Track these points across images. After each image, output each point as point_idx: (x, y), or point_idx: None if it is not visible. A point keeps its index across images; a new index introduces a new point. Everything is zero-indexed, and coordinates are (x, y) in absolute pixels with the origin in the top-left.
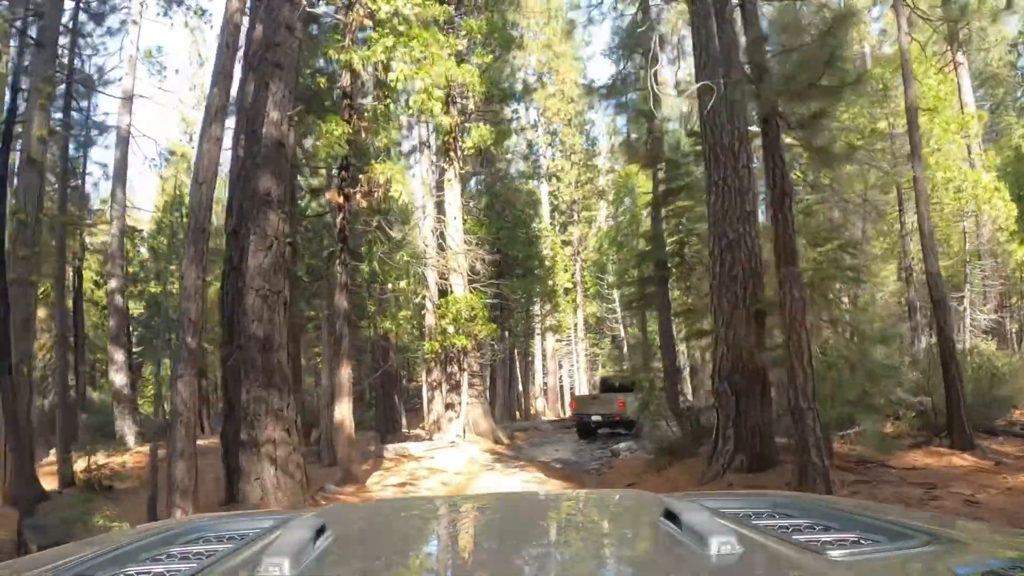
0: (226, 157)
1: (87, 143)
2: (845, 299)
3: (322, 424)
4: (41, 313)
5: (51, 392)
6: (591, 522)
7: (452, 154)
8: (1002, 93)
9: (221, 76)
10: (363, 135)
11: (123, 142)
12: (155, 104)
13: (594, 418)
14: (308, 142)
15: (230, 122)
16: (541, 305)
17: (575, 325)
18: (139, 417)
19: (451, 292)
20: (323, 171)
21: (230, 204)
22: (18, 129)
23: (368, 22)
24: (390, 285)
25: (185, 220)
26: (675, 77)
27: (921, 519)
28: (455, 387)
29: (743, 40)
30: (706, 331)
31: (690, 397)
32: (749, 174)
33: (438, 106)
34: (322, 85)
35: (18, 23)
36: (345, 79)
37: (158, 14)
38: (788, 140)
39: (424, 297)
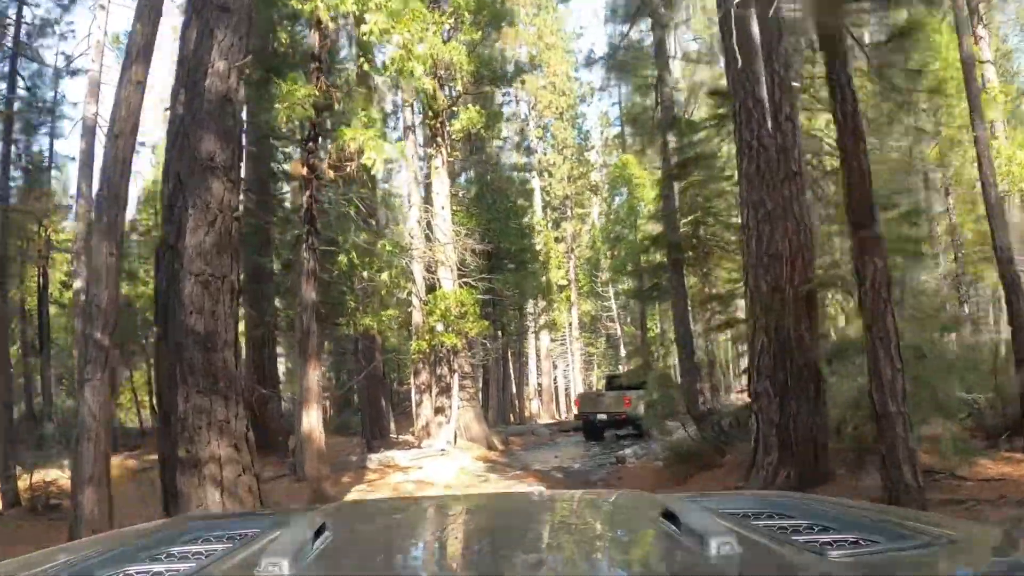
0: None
1: (53, 133)
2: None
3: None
4: None
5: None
6: (590, 522)
7: (440, 140)
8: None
9: (147, 10)
10: (336, 104)
11: (89, 132)
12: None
13: (599, 417)
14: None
15: (166, 73)
16: (535, 302)
17: (569, 324)
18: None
19: (439, 287)
20: (294, 148)
21: (166, 170)
22: None
23: None
24: (366, 274)
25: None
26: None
27: (921, 519)
28: (445, 390)
29: None
30: (736, 320)
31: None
32: (794, 128)
33: (419, 68)
34: (283, 41)
35: None
36: (313, 37)
37: None
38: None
39: (410, 293)
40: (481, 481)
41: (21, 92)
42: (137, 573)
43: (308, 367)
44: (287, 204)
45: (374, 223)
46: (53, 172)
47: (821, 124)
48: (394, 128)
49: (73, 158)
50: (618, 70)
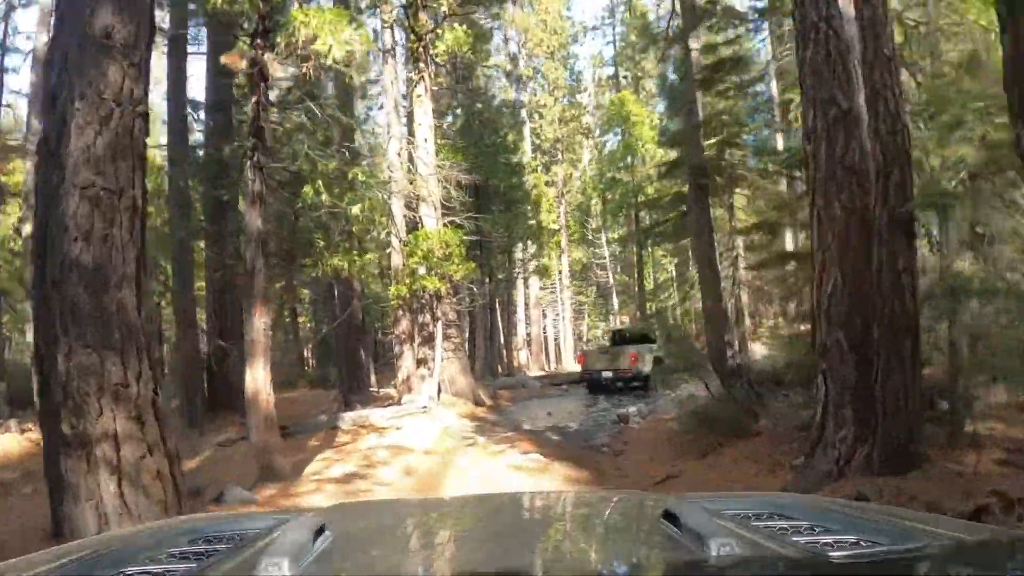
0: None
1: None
2: None
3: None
4: None
5: None
6: (591, 523)
7: (423, 64)
8: None
9: None
10: None
11: (39, 64)
12: None
13: (605, 374)
14: None
15: None
16: (524, 246)
17: (559, 272)
18: None
19: (422, 226)
20: None
21: (50, 52)
22: None
23: None
24: (333, 204)
25: None
26: None
27: (921, 520)
28: (428, 340)
29: None
30: (788, 254)
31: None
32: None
33: None
34: None
35: None
36: None
37: None
38: None
39: (389, 232)
40: (467, 444)
41: None
42: (137, 573)
43: (253, 312)
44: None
45: (346, 152)
46: (4, 109)
47: None
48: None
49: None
50: None
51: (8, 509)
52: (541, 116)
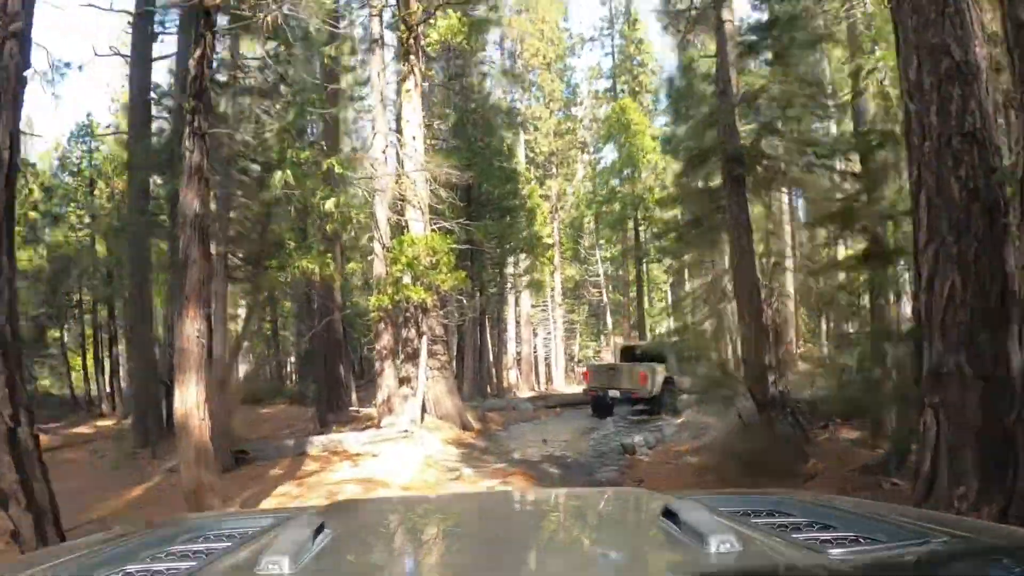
0: None
1: None
2: None
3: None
4: None
5: None
6: (591, 521)
7: (413, 57)
8: None
9: None
10: None
11: None
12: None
13: (611, 394)
14: None
15: None
16: (515, 260)
17: (552, 289)
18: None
19: (407, 231)
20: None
21: None
22: None
23: None
24: (297, 192)
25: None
26: None
27: (920, 518)
28: (412, 356)
29: None
30: (883, 252)
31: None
32: None
33: None
34: None
35: None
36: None
37: None
38: None
39: (372, 238)
40: (452, 478)
41: None
42: (137, 573)
43: (185, 314)
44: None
45: (323, 145)
46: None
47: None
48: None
49: None
50: None
51: None
52: (536, 128)
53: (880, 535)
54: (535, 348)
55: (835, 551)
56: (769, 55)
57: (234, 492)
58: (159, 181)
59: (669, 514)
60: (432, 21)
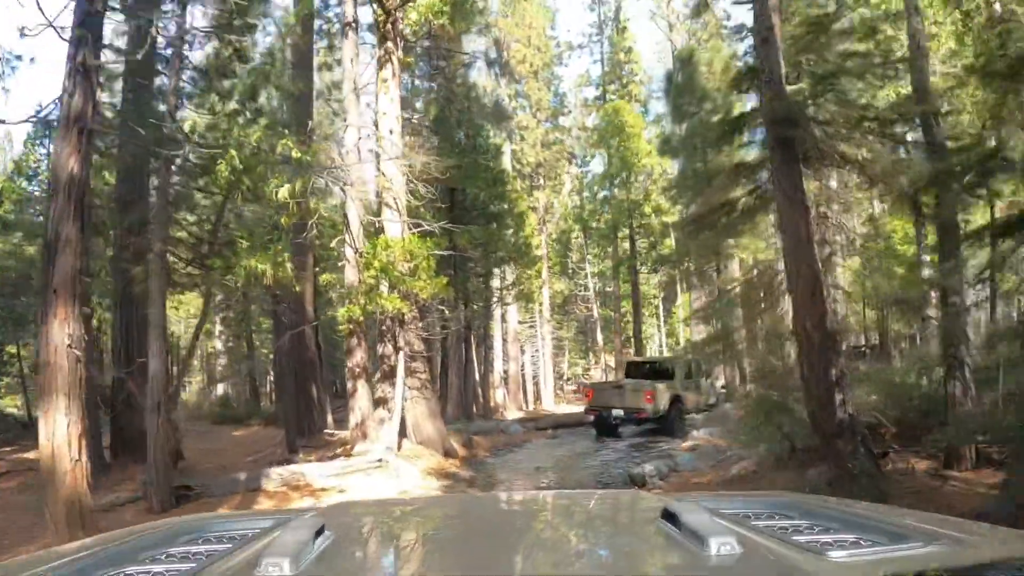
0: None
1: None
2: None
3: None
4: None
5: None
6: (590, 523)
7: (391, 44)
8: None
9: None
10: None
11: None
12: None
13: (616, 413)
14: None
15: None
16: (502, 271)
17: (540, 305)
18: None
19: (382, 234)
20: None
21: None
22: None
23: None
24: (244, 180)
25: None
26: None
27: (921, 520)
28: (388, 374)
29: None
30: None
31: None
32: None
33: None
34: None
35: None
36: None
37: None
38: None
39: (344, 242)
40: None
41: None
42: (137, 573)
43: (51, 316)
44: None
45: (283, 129)
46: None
47: None
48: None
49: None
50: None
51: None
52: (522, 139)
53: (880, 537)
54: (523, 366)
55: (835, 553)
56: None
57: None
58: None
59: (669, 516)
60: (411, 5)
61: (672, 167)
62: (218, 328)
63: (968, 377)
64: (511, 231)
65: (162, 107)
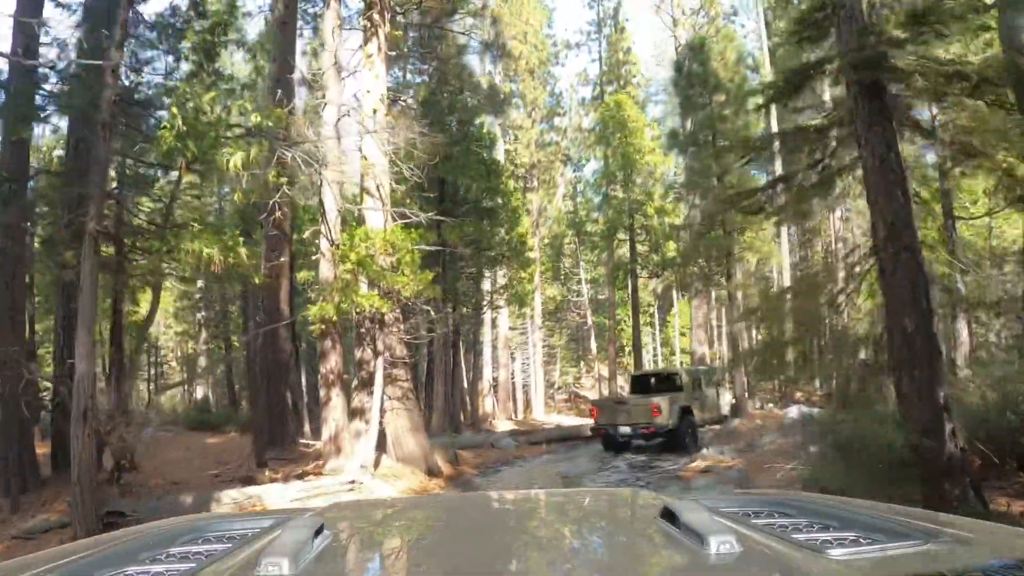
0: None
1: None
2: None
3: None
4: None
5: None
6: (589, 521)
7: (377, 16)
8: None
9: None
10: None
11: None
12: None
13: (622, 430)
14: None
15: None
16: (493, 274)
17: (531, 311)
18: None
19: (358, 224)
20: None
21: None
22: None
23: None
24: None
25: None
26: None
27: (921, 518)
28: (367, 382)
29: None
30: None
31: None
32: None
33: None
34: None
35: None
36: None
37: None
38: None
39: (320, 234)
40: None
41: None
42: (137, 573)
43: None
44: None
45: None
46: None
47: None
48: None
49: None
50: None
51: None
52: (516, 139)
53: (880, 535)
54: (513, 373)
55: (835, 551)
56: None
57: None
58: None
59: (668, 514)
60: None
61: (677, 166)
62: (200, 328)
63: None
64: (504, 228)
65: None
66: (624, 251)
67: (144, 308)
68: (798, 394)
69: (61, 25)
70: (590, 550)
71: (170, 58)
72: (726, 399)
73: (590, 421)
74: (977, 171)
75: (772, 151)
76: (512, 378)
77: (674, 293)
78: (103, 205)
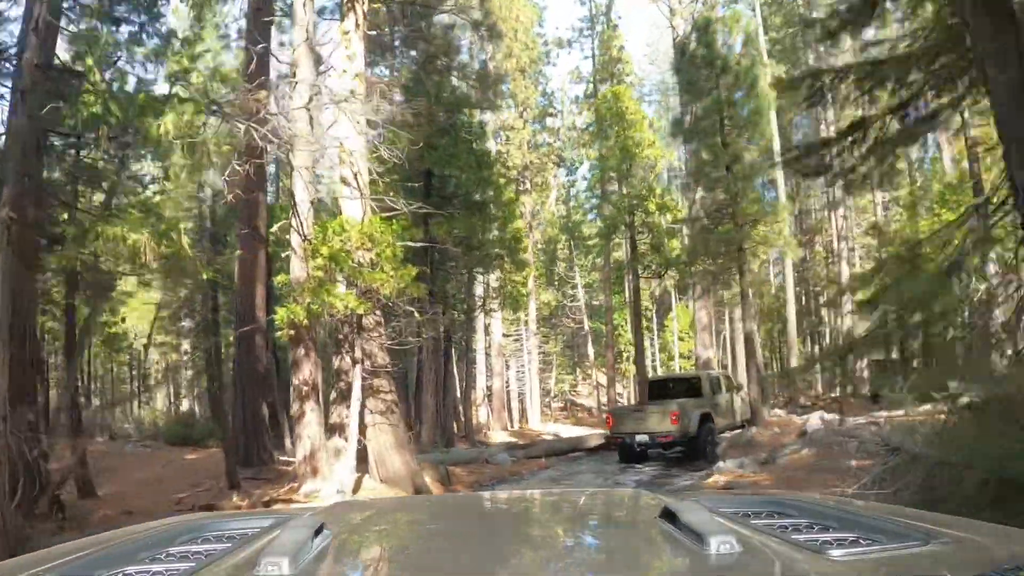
0: None
1: None
2: None
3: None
4: None
5: None
6: (590, 522)
7: None
8: None
9: None
10: None
11: None
12: None
13: (639, 439)
14: None
15: None
16: (486, 277)
17: (526, 317)
18: None
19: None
20: None
21: None
22: None
23: None
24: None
25: None
26: None
27: (920, 518)
28: (345, 395)
29: None
30: None
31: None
32: None
33: None
34: None
35: None
36: None
37: None
38: None
39: (288, 227)
40: None
41: None
42: (137, 573)
43: None
44: None
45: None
46: None
47: None
48: None
49: None
50: None
51: None
52: (508, 139)
53: (880, 535)
54: (507, 382)
55: (835, 551)
56: None
57: None
58: None
59: (668, 515)
60: None
61: (678, 160)
62: (179, 338)
63: None
64: (497, 224)
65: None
66: (621, 253)
67: (131, 318)
68: (802, 399)
69: None
70: (591, 550)
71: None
72: (743, 405)
73: (589, 430)
74: None
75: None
76: (507, 387)
77: (673, 296)
78: (21, 188)
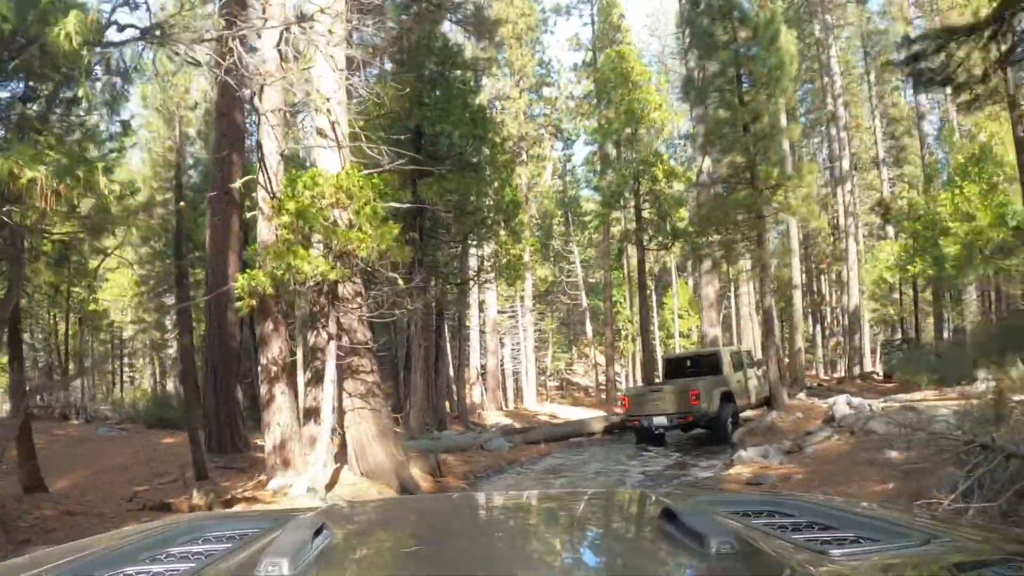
0: None
1: None
2: None
3: None
4: None
5: None
6: (589, 522)
7: None
8: None
9: None
10: None
11: None
12: None
13: (657, 420)
14: None
15: None
16: (480, 248)
17: (521, 294)
18: None
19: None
20: None
21: None
22: None
23: None
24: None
25: None
26: None
27: (920, 518)
28: (320, 375)
29: None
30: None
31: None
32: None
33: None
34: None
35: None
36: None
37: None
38: None
39: (256, 183)
40: None
41: None
42: (137, 573)
43: None
44: None
45: None
46: None
47: None
48: None
49: None
50: None
51: None
52: (503, 109)
53: (880, 535)
54: (502, 360)
55: (835, 551)
56: None
57: None
58: None
59: (668, 515)
60: None
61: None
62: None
63: None
64: (493, 188)
65: None
66: (622, 227)
67: (106, 295)
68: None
69: None
70: (590, 551)
71: None
72: (763, 384)
73: (588, 411)
74: None
75: None
76: (502, 365)
77: (672, 272)
78: None
